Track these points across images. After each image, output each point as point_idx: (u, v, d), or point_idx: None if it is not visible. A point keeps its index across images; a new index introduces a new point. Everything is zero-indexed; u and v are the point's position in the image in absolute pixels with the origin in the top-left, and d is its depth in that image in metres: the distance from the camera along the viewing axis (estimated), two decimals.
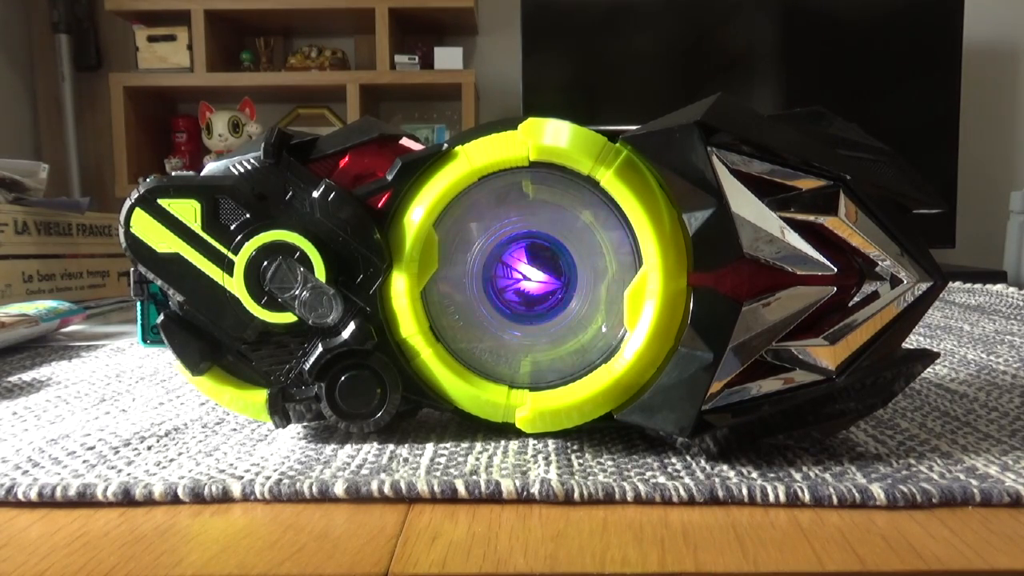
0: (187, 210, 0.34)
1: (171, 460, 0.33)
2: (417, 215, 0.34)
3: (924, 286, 0.32)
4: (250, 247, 0.34)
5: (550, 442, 0.35)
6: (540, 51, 1.72)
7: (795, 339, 0.32)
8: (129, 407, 0.43)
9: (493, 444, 0.35)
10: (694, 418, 0.31)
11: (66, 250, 0.94)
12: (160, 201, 0.33)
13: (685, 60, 1.73)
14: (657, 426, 0.33)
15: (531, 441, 0.35)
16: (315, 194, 0.33)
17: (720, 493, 0.29)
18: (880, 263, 0.32)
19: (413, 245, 0.34)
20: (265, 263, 0.34)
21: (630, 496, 0.29)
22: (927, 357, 0.34)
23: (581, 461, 0.33)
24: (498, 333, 0.35)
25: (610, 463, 0.32)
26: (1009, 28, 1.92)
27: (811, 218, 0.31)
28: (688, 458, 0.33)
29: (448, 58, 1.80)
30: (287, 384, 0.35)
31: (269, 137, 0.33)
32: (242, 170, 0.34)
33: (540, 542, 0.26)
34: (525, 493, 0.29)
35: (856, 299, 0.32)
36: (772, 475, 0.31)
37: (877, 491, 0.28)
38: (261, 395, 0.35)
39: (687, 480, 0.30)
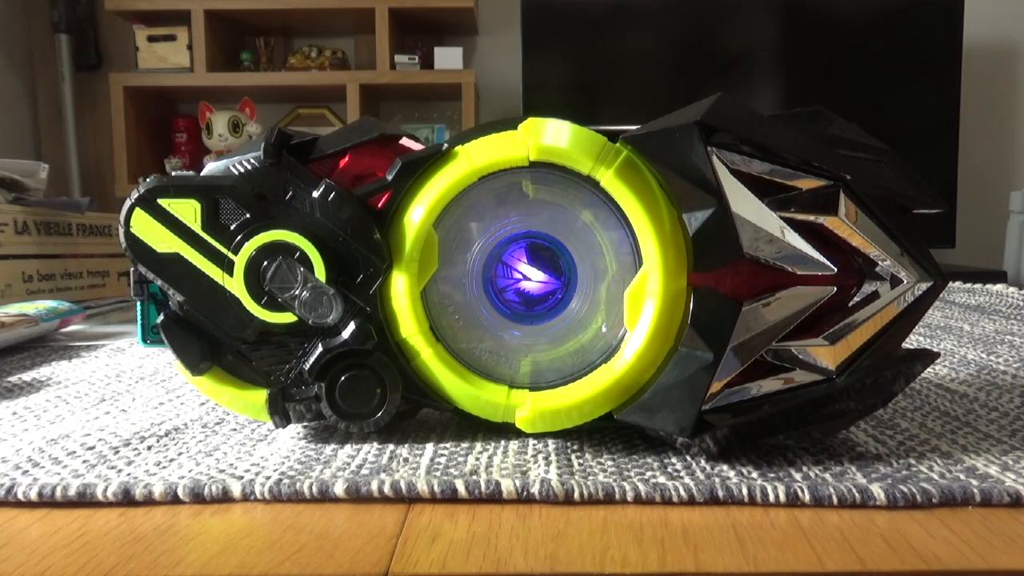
0: (187, 210, 0.34)
1: (171, 460, 0.33)
2: (417, 215, 0.34)
3: (924, 286, 0.32)
4: (250, 247, 0.34)
5: (550, 442, 0.35)
6: (540, 51, 1.72)
7: (795, 339, 0.32)
8: (129, 407, 0.43)
9: (493, 444, 0.35)
10: (694, 418, 0.31)
11: (66, 250, 0.94)
12: (160, 201, 0.33)
13: (685, 60, 1.73)
14: (657, 426, 0.33)
15: (531, 441, 0.35)
16: (315, 194, 0.33)
17: (720, 493, 0.29)
18: (880, 263, 0.32)
19: (413, 245, 0.34)
20: (265, 263, 0.34)
21: (630, 496, 0.29)
22: (927, 357, 0.34)
23: (581, 461, 0.33)
24: (498, 333, 0.35)
25: (610, 463, 0.32)
26: (1009, 28, 1.92)
27: (811, 218, 0.31)
28: (688, 458, 0.33)
29: (448, 58, 1.80)
30: (287, 384, 0.35)
31: (269, 137, 0.33)
32: (242, 170, 0.34)
33: (540, 542, 0.26)
34: (525, 493, 0.29)
35: (856, 299, 0.32)
36: (772, 475, 0.31)
37: (877, 491, 0.28)
38: (261, 395, 0.35)
39: (687, 480, 0.30)
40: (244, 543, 0.26)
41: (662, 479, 0.30)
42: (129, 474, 0.32)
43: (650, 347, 0.33)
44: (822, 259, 0.31)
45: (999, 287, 0.97)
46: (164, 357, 0.59)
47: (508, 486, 0.29)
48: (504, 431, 0.36)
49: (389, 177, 0.34)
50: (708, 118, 0.30)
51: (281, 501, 0.30)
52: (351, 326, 0.34)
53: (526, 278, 0.36)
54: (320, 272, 0.33)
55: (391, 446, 0.35)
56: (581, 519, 0.28)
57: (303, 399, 0.35)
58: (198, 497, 0.29)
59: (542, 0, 1.70)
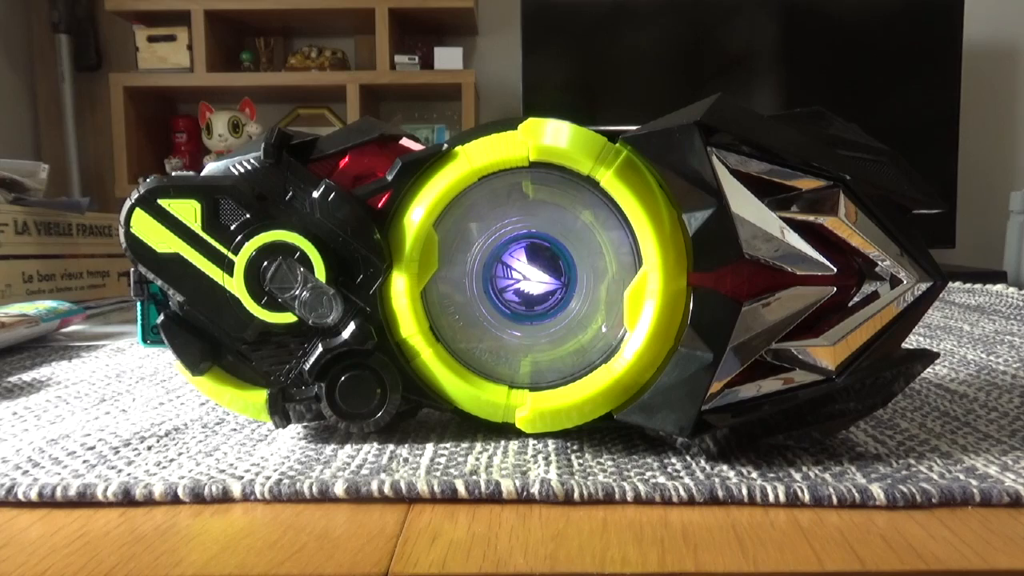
0: (187, 210, 0.34)
1: (171, 460, 0.33)
2: (417, 215, 0.34)
3: (924, 286, 0.32)
4: (250, 247, 0.34)
5: (550, 442, 0.35)
6: (540, 51, 1.72)
7: (795, 339, 0.32)
8: (129, 407, 0.43)
9: (493, 444, 0.35)
10: (694, 418, 0.31)
11: (66, 250, 0.94)
12: (160, 201, 0.34)
13: (685, 60, 1.73)
14: (657, 426, 0.33)
15: (531, 441, 0.35)
16: (315, 194, 0.33)
17: (720, 493, 0.29)
18: (880, 263, 0.32)
19: (413, 245, 0.34)
20: (265, 263, 0.34)
21: (630, 496, 0.29)
22: (927, 357, 0.34)
23: (581, 461, 0.33)
24: (498, 333, 0.35)
25: (610, 463, 0.32)
26: (1009, 28, 1.92)
27: (811, 218, 0.31)
28: (688, 458, 0.33)
29: (448, 58, 1.80)
30: (287, 384, 0.35)
31: (269, 137, 0.33)
32: (242, 170, 0.34)
33: (540, 542, 0.26)
34: (525, 493, 0.29)
35: (856, 299, 0.32)
36: (772, 475, 0.31)
37: (877, 491, 0.28)
38: (261, 395, 0.35)
39: (687, 480, 0.30)
40: (244, 543, 0.26)
41: (662, 479, 0.30)
42: (129, 474, 0.32)
43: (650, 347, 0.33)
44: (822, 259, 0.31)
45: (999, 287, 0.97)
46: (164, 357, 0.59)
47: (508, 486, 0.29)
48: (504, 431, 0.36)
49: (389, 177, 0.34)
50: (708, 118, 0.30)
51: (281, 501, 0.30)
52: (351, 326, 0.34)
53: (526, 278, 0.36)
54: (320, 272, 0.33)
55: (391, 446, 0.35)
56: (581, 519, 0.28)
57: (303, 399, 0.35)
58: (198, 497, 0.29)
59: (542, 0, 1.70)
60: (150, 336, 0.54)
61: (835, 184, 0.31)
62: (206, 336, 0.35)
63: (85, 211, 0.98)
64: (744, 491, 0.29)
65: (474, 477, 0.30)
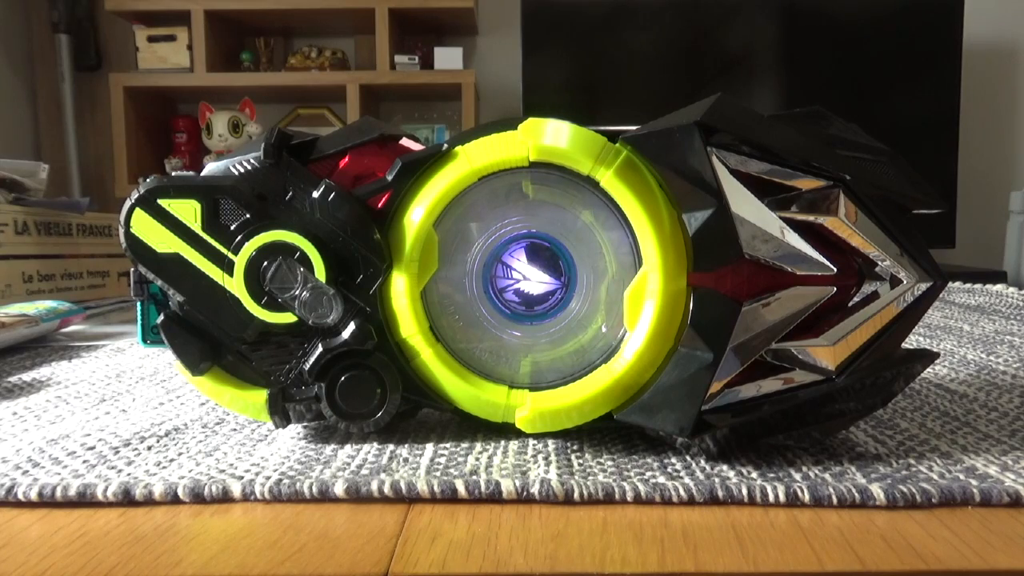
0: (187, 210, 0.34)
1: (171, 460, 0.33)
2: (417, 215, 0.34)
3: (924, 286, 0.32)
4: (250, 247, 0.34)
5: (550, 442, 0.35)
6: (540, 51, 1.72)
7: (795, 339, 0.32)
8: (129, 407, 0.43)
9: (493, 444, 0.35)
10: (694, 418, 0.31)
11: (66, 250, 0.94)
12: (160, 201, 0.34)
13: (685, 60, 1.73)
14: (657, 426, 0.33)
15: (531, 441, 0.35)
16: (315, 194, 0.33)
17: (720, 493, 0.29)
18: (880, 263, 0.32)
19: (413, 245, 0.34)
20: (265, 263, 0.34)
21: (630, 496, 0.29)
22: (927, 357, 0.34)
23: (581, 461, 0.33)
24: (498, 333, 0.35)
25: (610, 463, 0.32)
26: (1009, 28, 1.92)
27: (811, 218, 0.31)
28: (688, 458, 0.33)
29: (448, 58, 1.80)
30: (287, 384, 0.35)
31: (269, 137, 0.33)
32: (242, 170, 0.34)
33: (540, 542, 0.26)
34: (525, 493, 0.29)
35: (856, 299, 0.32)
36: (772, 475, 0.31)
37: (877, 491, 0.28)
38: (261, 395, 0.35)
39: (687, 480, 0.30)
40: (244, 543, 0.26)
41: (662, 479, 0.30)
42: (129, 474, 0.32)
43: (650, 347, 0.33)
44: (822, 259, 0.31)
45: (999, 287, 0.97)
46: (164, 357, 0.59)
47: (508, 486, 0.29)
48: (504, 431, 0.36)
49: (389, 177, 0.34)
50: (708, 118, 0.30)
51: (281, 501, 0.30)
52: (351, 326, 0.34)
53: (526, 278, 0.36)
54: (320, 272, 0.33)
55: (391, 446, 0.35)
56: (581, 519, 0.28)
57: (303, 399, 0.35)
58: (198, 497, 0.29)
59: (542, 0, 1.70)
60: (150, 336, 0.54)
61: (835, 184, 0.31)
62: (206, 336, 0.35)
63: (85, 211, 0.98)
64: (744, 491, 0.29)
65: (474, 477, 0.30)
